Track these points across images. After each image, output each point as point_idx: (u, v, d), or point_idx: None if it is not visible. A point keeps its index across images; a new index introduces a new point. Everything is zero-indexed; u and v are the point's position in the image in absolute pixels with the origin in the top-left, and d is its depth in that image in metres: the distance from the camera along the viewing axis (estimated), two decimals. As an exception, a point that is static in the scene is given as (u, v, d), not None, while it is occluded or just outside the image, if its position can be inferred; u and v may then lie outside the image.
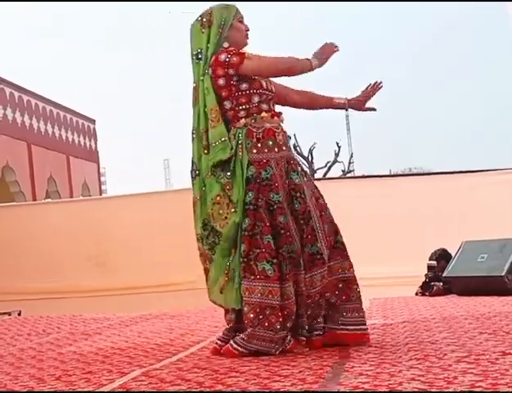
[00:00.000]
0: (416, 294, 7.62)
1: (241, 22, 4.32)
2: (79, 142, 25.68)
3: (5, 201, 15.73)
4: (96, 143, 27.15)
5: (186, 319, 6.59)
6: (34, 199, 21.01)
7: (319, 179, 21.59)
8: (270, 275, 3.94)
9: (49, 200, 20.68)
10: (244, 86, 4.17)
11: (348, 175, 35.09)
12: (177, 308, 7.92)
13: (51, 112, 23.78)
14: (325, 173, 36.67)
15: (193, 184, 4.24)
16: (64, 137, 24.51)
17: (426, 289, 7.49)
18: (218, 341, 4.15)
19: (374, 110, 4.60)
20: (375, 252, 8.67)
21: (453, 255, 7.49)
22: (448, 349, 3.66)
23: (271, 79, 4.33)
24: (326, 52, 4.19)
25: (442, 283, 7.38)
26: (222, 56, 4.15)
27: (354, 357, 3.66)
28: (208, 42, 4.24)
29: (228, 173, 4.08)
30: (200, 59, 4.23)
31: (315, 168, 37.63)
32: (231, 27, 4.26)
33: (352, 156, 39.91)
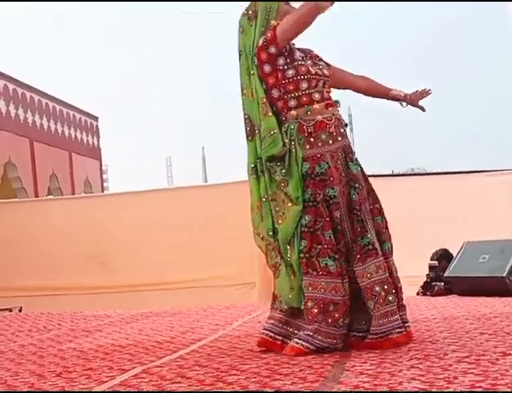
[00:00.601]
0: (417, 294, 7.62)
1: (288, 3, 4.14)
2: (82, 139, 25.68)
3: (7, 197, 15.72)
4: (98, 140, 27.16)
5: (186, 317, 6.60)
6: (36, 195, 21.01)
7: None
8: (332, 271, 3.88)
9: (51, 196, 20.68)
10: (290, 73, 4.02)
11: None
12: (178, 306, 7.92)
13: (53, 109, 23.77)
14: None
15: (260, 182, 4.12)
16: (66, 134, 24.51)
17: (427, 289, 7.49)
18: (270, 333, 4.01)
19: (424, 110, 4.51)
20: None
21: (454, 255, 7.49)
22: (449, 349, 3.66)
23: (329, 63, 4.23)
24: None
25: (443, 283, 7.38)
26: (260, 41, 4.04)
27: (355, 356, 3.66)
28: (256, 33, 4.11)
29: (283, 171, 3.99)
30: (241, 55, 4.17)
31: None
32: (279, 11, 4.10)
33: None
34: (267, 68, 4.05)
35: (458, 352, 3.53)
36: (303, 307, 3.95)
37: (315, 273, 3.89)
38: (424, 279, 7.65)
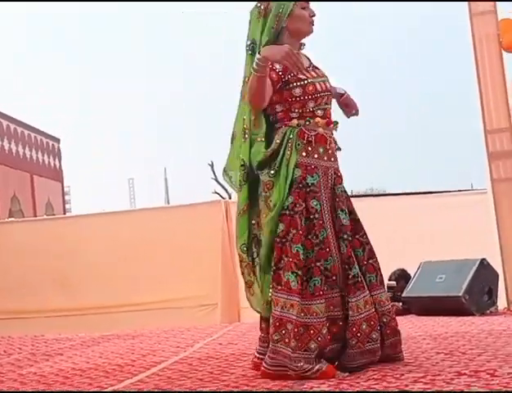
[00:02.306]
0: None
1: (305, 8, 3.98)
2: (44, 160, 25.52)
3: (-33, 219, 15.57)
4: (60, 162, 27.00)
5: (148, 340, 6.60)
6: (-3, 218, 20.83)
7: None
8: (293, 287, 3.70)
9: (12, 219, 20.51)
10: (297, 91, 3.90)
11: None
12: (140, 328, 7.91)
13: (15, 130, 23.62)
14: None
15: (240, 192, 3.98)
16: (28, 156, 24.35)
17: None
18: (257, 354, 3.95)
19: (357, 113, 4.28)
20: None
21: (412, 275, 7.57)
22: (405, 369, 3.71)
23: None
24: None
25: (401, 303, 7.45)
26: None
27: (313, 377, 3.69)
28: (262, 32, 3.94)
29: (272, 172, 3.85)
30: (254, 51, 3.94)
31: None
32: (291, 16, 3.93)
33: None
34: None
35: (414, 372, 3.58)
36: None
37: (279, 287, 3.73)
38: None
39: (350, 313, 3.80)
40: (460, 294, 6.82)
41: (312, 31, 4.03)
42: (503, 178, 7.07)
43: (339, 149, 4.08)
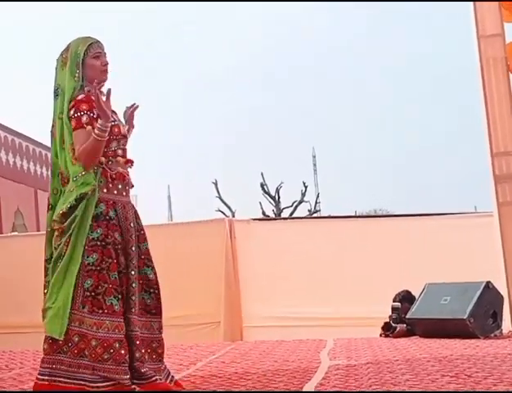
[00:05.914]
0: (380, 335, 7.65)
1: (97, 57, 4.30)
2: (48, 175, 25.54)
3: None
4: (64, 177, 26.99)
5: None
6: (0, 232, 20.85)
7: (285, 218, 21.55)
8: (116, 310, 4.07)
9: (15, 233, 20.52)
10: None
11: (315, 215, 35.24)
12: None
13: (20, 145, 23.68)
14: (292, 213, 36.72)
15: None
16: (32, 171, 24.40)
17: (388, 330, 7.51)
18: (58, 378, 4.14)
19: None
20: (339, 292, 8.71)
21: (416, 296, 7.54)
22: (411, 391, 3.70)
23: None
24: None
25: (405, 325, 7.42)
26: (71, 111, 4.21)
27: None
28: (67, 79, 4.28)
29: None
30: (58, 95, 4.31)
31: (281, 207, 37.73)
32: (84, 65, 4.27)
33: (318, 196, 40.06)
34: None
35: (420, 395, 3.58)
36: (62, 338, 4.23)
37: (100, 311, 4.05)
38: (387, 321, 7.65)
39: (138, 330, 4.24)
40: (465, 317, 6.79)
41: (106, 79, 4.35)
42: (509, 202, 7.05)
43: (133, 186, 4.49)
